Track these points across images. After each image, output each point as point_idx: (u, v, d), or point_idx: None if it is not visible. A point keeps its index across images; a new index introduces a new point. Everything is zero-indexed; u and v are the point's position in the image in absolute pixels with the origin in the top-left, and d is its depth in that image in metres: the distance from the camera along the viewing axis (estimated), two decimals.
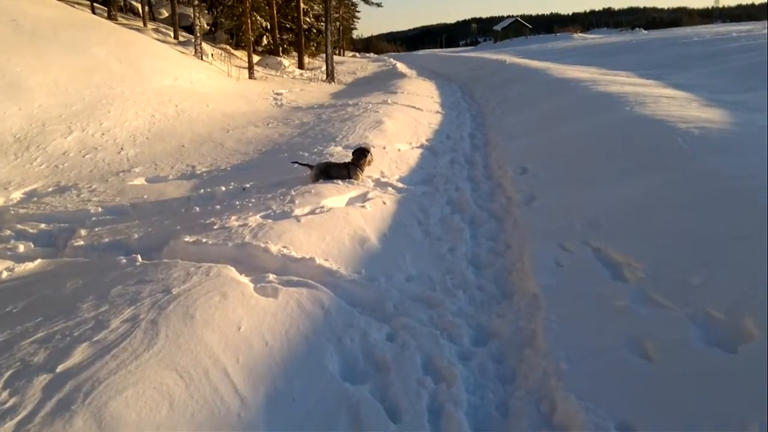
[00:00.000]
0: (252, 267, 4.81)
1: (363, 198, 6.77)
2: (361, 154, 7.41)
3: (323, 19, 28.43)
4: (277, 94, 17.75)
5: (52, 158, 8.75)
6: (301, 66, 29.91)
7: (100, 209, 6.78)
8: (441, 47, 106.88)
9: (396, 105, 13.83)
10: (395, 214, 6.35)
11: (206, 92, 14.85)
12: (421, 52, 78.14)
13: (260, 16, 29.30)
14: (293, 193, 6.58)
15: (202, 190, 7.25)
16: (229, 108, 13.70)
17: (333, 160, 8.23)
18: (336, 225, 5.63)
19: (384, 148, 9.23)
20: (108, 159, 8.99)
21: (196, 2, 21.78)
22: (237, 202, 6.48)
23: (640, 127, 7.79)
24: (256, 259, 4.87)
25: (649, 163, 6.31)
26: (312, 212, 6.02)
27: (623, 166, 6.55)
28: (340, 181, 7.09)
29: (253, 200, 6.49)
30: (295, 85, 21.66)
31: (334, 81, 25.23)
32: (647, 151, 6.70)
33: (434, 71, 31.02)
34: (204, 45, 22.94)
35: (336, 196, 6.62)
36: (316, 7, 33.95)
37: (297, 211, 5.99)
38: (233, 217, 5.78)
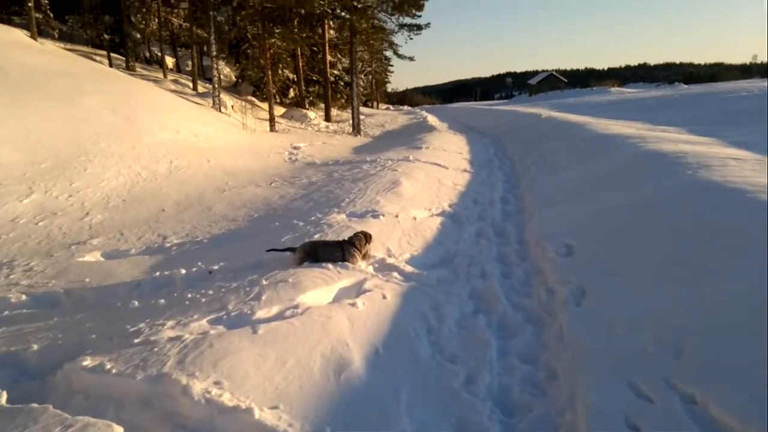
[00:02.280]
0: (164, 415, 3.22)
1: (357, 289, 5.16)
2: (360, 238, 5.85)
3: None
4: (295, 147, 16.45)
5: None
6: (327, 118, 28.87)
7: (23, 297, 5.30)
8: (476, 100, 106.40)
9: (418, 162, 12.31)
10: (396, 315, 4.71)
11: (211, 146, 13.57)
12: (455, 104, 77.31)
13: (286, 69, 28.47)
14: (264, 282, 5.00)
15: (158, 273, 5.72)
16: (234, 164, 12.34)
17: (330, 232, 6.65)
18: (307, 338, 4.01)
19: (396, 216, 7.63)
20: (66, 227, 7.57)
21: (214, 53, 20.89)
22: (189, 294, 4.92)
23: (712, 197, 6.06)
24: (172, 403, 3.27)
25: (738, 252, 4.58)
26: (280, 315, 4.42)
27: (703, 256, 4.81)
28: (330, 265, 5.49)
29: (210, 292, 4.92)
30: (317, 138, 20.42)
31: (360, 134, 24.01)
32: (729, 231, 4.97)
33: (466, 124, 29.65)
34: (224, 96, 21.98)
35: (321, 288, 5.01)
36: (344, 60, 33.12)
37: (259, 314, 4.39)
38: (170, 323, 4.20)
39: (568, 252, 6.34)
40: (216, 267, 5.76)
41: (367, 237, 5.86)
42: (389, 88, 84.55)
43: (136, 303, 4.88)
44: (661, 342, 3.87)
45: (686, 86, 44.60)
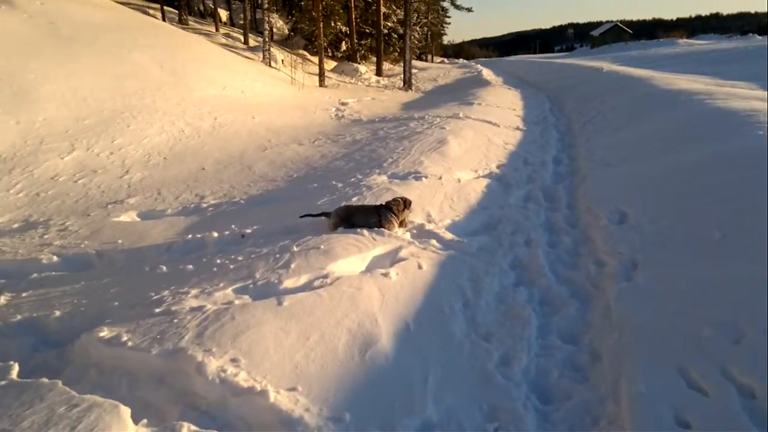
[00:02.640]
0: (178, 394, 3.09)
1: (392, 258, 4.92)
2: (398, 202, 5.57)
3: None
4: (342, 104, 16.14)
5: (35, 184, 7.41)
6: (379, 73, 28.33)
7: (55, 259, 5.27)
8: (534, 53, 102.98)
9: (468, 119, 11.85)
10: (432, 287, 4.46)
11: (258, 102, 13.39)
12: (512, 57, 75.01)
13: (339, 21, 27.93)
14: (295, 249, 4.81)
15: (190, 235, 5.61)
16: (279, 121, 12.14)
17: (369, 195, 6.40)
18: (334, 311, 3.81)
19: (440, 177, 7.31)
20: (104, 185, 7.55)
21: (266, 5, 20.54)
22: (218, 260, 4.78)
23: None
24: (186, 381, 3.14)
25: None
26: (308, 285, 4.23)
27: None
28: (366, 231, 5.25)
29: (240, 258, 4.77)
30: (367, 93, 20.04)
31: (411, 89, 23.45)
32: None
33: (523, 79, 28.66)
34: (275, 51, 21.74)
35: (353, 256, 4.79)
36: (398, 11, 32.24)
37: (287, 283, 4.21)
38: (194, 292, 4.07)
39: (622, 219, 5.93)
40: (249, 230, 5.61)
41: (406, 203, 5.58)
42: (445, 40, 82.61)
43: (164, 268, 4.77)
44: (718, 324, 3.52)
45: (760, 37, 41.90)
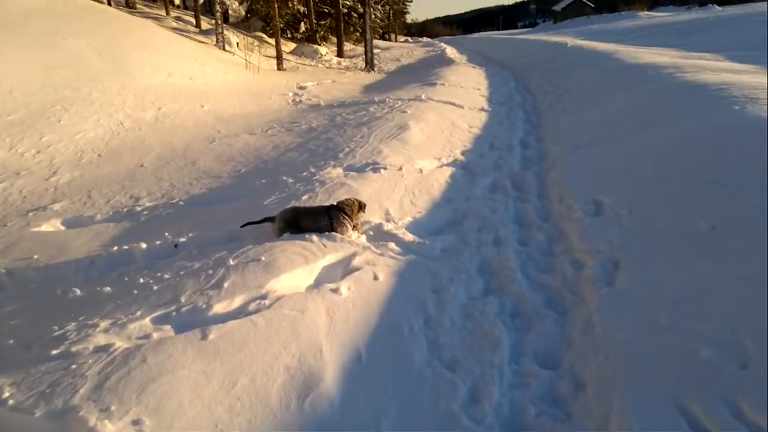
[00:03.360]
0: None
1: (344, 268, 4.32)
2: (352, 202, 4.96)
3: None
4: (301, 87, 15.38)
5: None
6: (340, 54, 27.50)
7: None
8: (498, 29, 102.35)
9: (431, 102, 11.24)
10: (388, 303, 3.88)
11: (208, 89, 12.57)
12: (476, 35, 74.20)
13: (296, 1, 26.97)
14: (231, 262, 4.18)
15: (116, 247, 4.92)
16: (231, 108, 11.37)
17: (321, 191, 5.78)
18: (270, 344, 3.21)
19: (400, 168, 6.71)
20: (27, 189, 6.78)
21: None
22: (141, 279, 4.12)
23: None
24: None
25: None
26: (242, 309, 3.62)
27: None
28: (315, 237, 4.63)
29: (167, 276, 4.12)
30: (327, 75, 19.27)
31: (373, 70, 22.71)
32: None
33: (486, 56, 28.07)
34: (230, 33, 20.79)
35: (299, 268, 4.18)
36: None
37: (217, 308, 3.59)
38: (104, 324, 3.42)
39: (598, 210, 5.43)
40: (183, 239, 4.95)
41: (361, 205, 4.98)
42: (408, 19, 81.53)
43: (78, 291, 4.09)
44: (717, 343, 3.01)
45: (720, 8, 41.99)
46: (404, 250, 4.74)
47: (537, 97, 13.23)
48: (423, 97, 11.74)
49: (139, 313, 3.54)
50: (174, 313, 3.53)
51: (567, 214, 5.55)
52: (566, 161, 7.18)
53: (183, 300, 3.67)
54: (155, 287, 3.93)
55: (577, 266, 4.54)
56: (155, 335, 3.31)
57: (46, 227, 5.66)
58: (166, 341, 3.16)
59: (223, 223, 5.26)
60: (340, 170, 6.69)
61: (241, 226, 4.88)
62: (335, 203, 4.89)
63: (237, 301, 3.68)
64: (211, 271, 4.07)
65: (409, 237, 4.97)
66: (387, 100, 11.78)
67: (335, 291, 3.86)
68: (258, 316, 3.45)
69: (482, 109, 11.21)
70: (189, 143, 8.73)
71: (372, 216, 5.33)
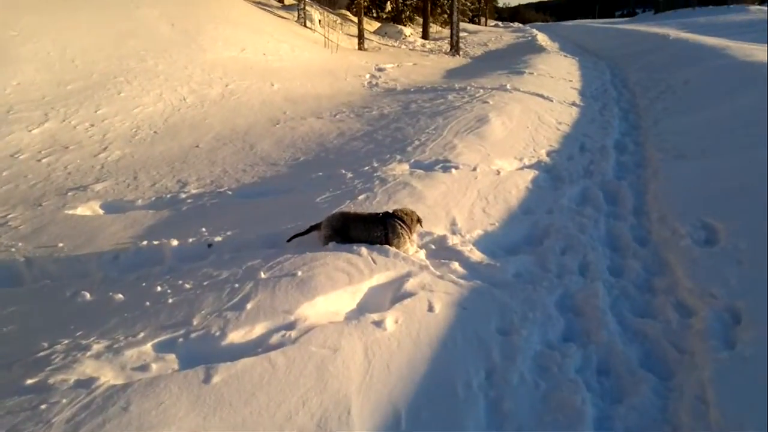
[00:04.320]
0: None
1: (394, 292, 3.61)
2: (409, 213, 4.22)
3: None
4: (379, 69, 14.67)
5: None
6: (425, 36, 26.61)
7: None
8: (594, 18, 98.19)
9: (516, 92, 10.28)
10: (443, 344, 3.16)
11: (280, 67, 12.03)
12: (569, 22, 71.16)
13: None
14: (262, 275, 3.55)
15: (146, 242, 4.39)
16: (302, 88, 10.78)
17: (380, 191, 5.08)
18: (286, 395, 2.56)
19: (474, 168, 5.91)
20: (73, 165, 6.38)
21: None
22: (158, 288, 3.55)
23: None
24: None
25: None
26: (263, 339, 3.00)
27: None
28: (365, 249, 3.94)
29: (187, 285, 3.53)
30: (409, 58, 18.47)
31: (458, 54, 21.72)
32: None
33: (581, 45, 26.45)
34: (312, 10, 20.30)
35: (340, 289, 3.51)
36: None
37: (233, 336, 2.97)
38: (98, 347, 2.86)
39: (710, 238, 4.50)
40: (219, 239, 4.36)
41: (419, 219, 4.25)
42: (500, 2, 79.39)
43: (88, 296, 3.57)
44: None
45: None
46: (470, 272, 3.98)
47: (635, 92, 12.00)
48: (508, 86, 10.80)
49: (142, 335, 2.95)
50: (181, 339, 2.92)
51: (671, 239, 4.63)
52: (670, 172, 6.17)
53: (196, 322, 3.05)
54: (171, 300, 3.33)
55: (684, 312, 3.66)
56: (154, 367, 2.71)
57: (82, 210, 5.22)
58: (159, 381, 2.54)
59: (268, 221, 4.66)
60: (405, 166, 5.96)
61: (288, 240, 4.22)
62: (391, 211, 4.17)
63: (258, 329, 3.04)
64: (237, 285, 3.44)
65: (476, 256, 4.20)
66: (468, 87, 10.90)
67: (379, 324, 3.15)
68: (279, 354, 2.79)
69: (573, 104, 10.17)
70: (251, 124, 8.19)
71: (435, 226, 4.58)
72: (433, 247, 4.33)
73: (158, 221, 4.94)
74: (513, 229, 4.84)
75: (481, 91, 10.34)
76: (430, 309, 3.40)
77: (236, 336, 2.96)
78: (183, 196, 5.53)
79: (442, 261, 4.07)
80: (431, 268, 3.90)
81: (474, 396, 2.82)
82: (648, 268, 4.33)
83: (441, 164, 5.97)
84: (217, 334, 2.94)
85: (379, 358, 2.91)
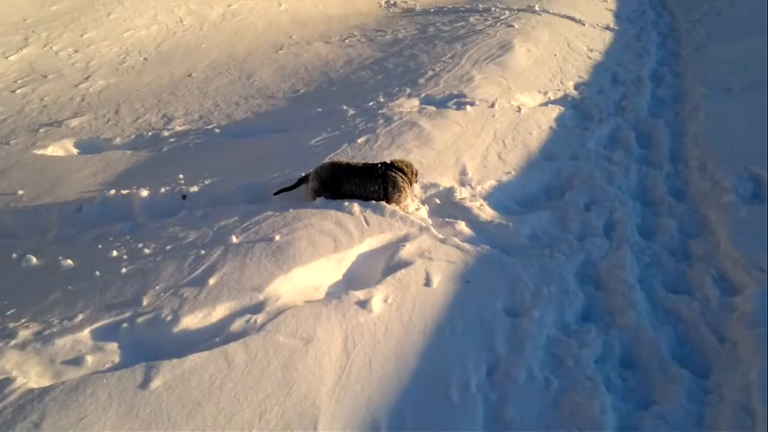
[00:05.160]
0: None
1: (387, 260, 3.13)
2: (408, 165, 3.67)
3: None
4: None
5: None
6: None
7: None
8: None
9: (545, 14, 9.37)
10: (439, 329, 2.70)
11: None
12: None
13: None
14: (234, 240, 3.06)
15: (114, 190, 3.89)
16: (312, 9, 9.93)
17: (383, 132, 4.51)
18: (241, 404, 2.17)
19: (492, 104, 5.28)
20: (51, 97, 5.84)
21: None
22: (115, 251, 3.09)
23: None
24: None
25: None
26: (222, 325, 2.55)
27: None
28: (357, 206, 3.42)
29: (148, 250, 3.07)
30: None
31: None
32: None
33: None
34: None
35: (322, 258, 3.01)
36: None
37: (186, 320, 2.56)
38: (25, 333, 2.47)
39: (758, 192, 3.91)
40: (195, 189, 3.86)
41: (414, 172, 3.70)
42: None
43: (34, 260, 3.13)
44: None
45: None
46: (477, 234, 3.46)
47: (675, 14, 10.96)
48: (536, 7, 9.86)
49: (81, 317, 2.52)
50: (126, 325, 2.49)
51: (711, 192, 4.03)
52: (713, 109, 5.47)
53: (146, 302, 2.60)
54: (125, 269, 2.89)
55: (725, 288, 3.12)
56: (89, 360, 2.30)
57: (53, 149, 4.75)
58: (87, 385, 2.12)
59: (253, 167, 4.15)
60: (415, 102, 5.35)
61: (274, 194, 3.70)
62: (389, 161, 3.61)
63: (219, 312, 2.59)
64: (203, 251, 2.97)
65: (486, 214, 3.66)
66: (493, 9, 9.97)
67: (364, 304, 2.68)
68: (238, 346, 2.34)
69: (607, 28, 9.26)
70: (251, 50, 7.49)
71: (443, 175, 4.03)
72: (437, 201, 3.79)
73: (134, 164, 4.46)
74: (531, 179, 4.27)
75: (507, 13, 9.44)
76: (427, 283, 2.92)
77: (191, 321, 2.51)
78: (166, 134, 5.02)
79: (447, 220, 3.55)
80: (433, 229, 3.38)
81: (471, 400, 2.36)
82: (684, 229, 3.77)
83: (455, 100, 5.34)
84: (169, 318, 2.49)
85: (360, 350, 2.45)
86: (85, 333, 2.42)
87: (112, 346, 2.39)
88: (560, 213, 3.85)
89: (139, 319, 2.49)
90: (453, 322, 2.72)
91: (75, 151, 4.85)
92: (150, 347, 2.39)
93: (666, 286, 3.22)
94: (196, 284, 2.70)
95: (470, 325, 2.73)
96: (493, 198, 3.90)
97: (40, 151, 4.65)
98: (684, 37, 8.99)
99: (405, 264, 3.04)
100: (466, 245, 3.27)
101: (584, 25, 8.95)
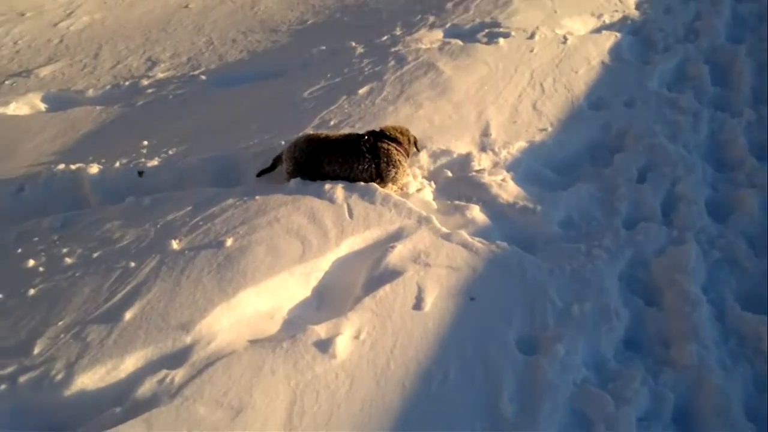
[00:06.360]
0: None
1: (371, 267, 2.46)
2: (405, 132, 2.90)
3: None
4: None
5: None
6: None
7: None
8: None
9: None
10: (419, 387, 2.02)
11: None
12: None
13: None
14: (174, 246, 2.43)
15: (63, 165, 3.28)
16: None
17: (392, 78, 3.71)
18: None
19: (531, 36, 4.37)
20: (25, 40, 5.17)
21: None
22: (32, 261, 2.51)
23: None
24: None
25: None
26: (126, 388, 1.92)
27: None
28: (340, 191, 2.71)
29: (70, 259, 2.50)
30: None
31: None
32: None
33: None
34: None
35: (284, 271, 2.34)
36: None
37: (81, 381, 1.97)
38: None
39: None
40: (156, 162, 3.20)
41: (415, 142, 2.93)
42: None
43: None
44: None
45: None
46: (494, 223, 2.71)
47: None
48: None
49: None
50: (4, 386, 1.90)
51: None
52: None
53: (38, 349, 2.01)
54: (33, 290, 2.31)
55: None
56: None
57: (15, 106, 4.17)
58: None
59: (230, 130, 3.46)
60: (438, 34, 4.47)
61: (257, 176, 2.98)
62: (379, 129, 2.84)
63: (127, 365, 2.00)
64: (133, 264, 2.35)
65: (509, 193, 2.87)
66: None
67: (325, 347, 2.02)
68: (138, 427, 1.72)
69: None
70: None
71: (459, 138, 3.25)
72: (449, 174, 3.02)
73: (99, 125, 3.85)
74: (573, 135, 3.42)
75: None
76: (418, 304, 2.24)
77: (89, 380, 1.92)
78: (145, 83, 4.36)
79: (457, 204, 2.79)
80: (435, 220, 2.63)
81: None
82: None
83: (486, 30, 4.44)
84: (60, 376, 1.90)
85: (310, 421, 1.81)
86: None
87: None
88: (606, 185, 3.04)
89: (23, 378, 1.90)
90: (446, 365, 2.04)
91: (42, 106, 4.26)
92: (34, 417, 1.82)
93: (742, 297, 2.42)
94: (109, 320, 2.09)
95: (469, 368, 2.04)
96: (520, 166, 3.10)
97: (1, 109, 4.06)
98: None
99: (392, 275, 2.35)
100: (477, 242, 2.52)
101: None
